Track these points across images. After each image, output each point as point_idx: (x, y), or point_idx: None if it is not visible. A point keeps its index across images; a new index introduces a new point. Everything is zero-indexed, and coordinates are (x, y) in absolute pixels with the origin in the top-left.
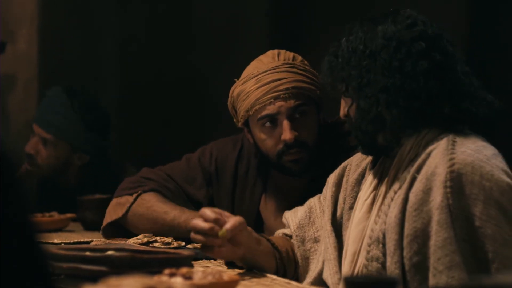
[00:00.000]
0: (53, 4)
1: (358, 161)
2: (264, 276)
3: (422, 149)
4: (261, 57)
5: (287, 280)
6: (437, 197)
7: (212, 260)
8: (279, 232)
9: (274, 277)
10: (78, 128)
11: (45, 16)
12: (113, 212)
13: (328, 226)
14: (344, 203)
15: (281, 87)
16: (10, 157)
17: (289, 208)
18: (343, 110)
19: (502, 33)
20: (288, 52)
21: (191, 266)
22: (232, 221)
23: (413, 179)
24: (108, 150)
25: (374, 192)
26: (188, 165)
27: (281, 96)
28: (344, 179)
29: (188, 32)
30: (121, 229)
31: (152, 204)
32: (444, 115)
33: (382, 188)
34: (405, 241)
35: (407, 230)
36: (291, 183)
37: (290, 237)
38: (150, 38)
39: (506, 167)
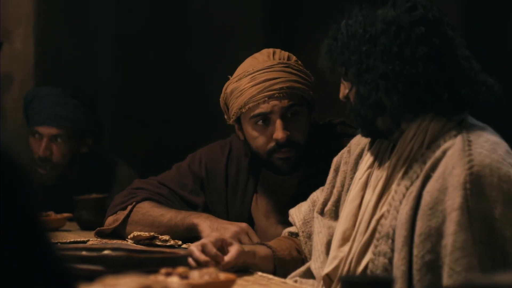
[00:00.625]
0: (50, 3)
1: (357, 141)
2: (260, 275)
3: (429, 139)
4: (256, 55)
5: (283, 280)
6: (455, 198)
7: None
8: (285, 231)
9: (271, 276)
10: (82, 112)
11: (41, 16)
12: (109, 226)
13: (314, 213)
14: (342, 186)
15: (275, 86)
16: (17, 157)
17: (280, 208)
18: (342, 92)
19: (497, 34)
20: (283, 52)
21: (188, 265)
22: (230, 254)
23: (427, 177)
24: (102, 127)
25: (368, 170)
26: (178, 172)
27: (275, 95)
28: (343, 161)
29: (184, 31)
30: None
31: (147, 210)
32: (444, 101)
33: (381, 171)
34: (418, 240)
35: (420, 229)
36: (282, 184)
37: (296, 234)
38: (146, 37)
39: None
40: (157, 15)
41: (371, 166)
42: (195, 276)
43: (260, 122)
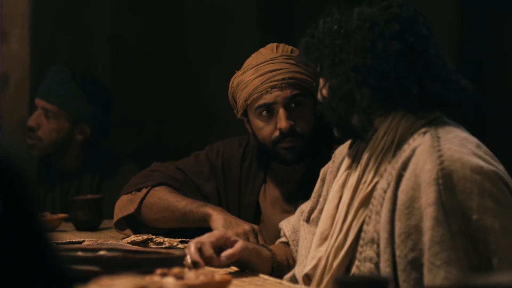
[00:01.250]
0: (46, 4)
1: (340, 150)
2: (256, 276)
3: (399, 137)
4: (261, 49)
5: (278, 280)
6: (429, 194)
7: None
8: (277, 242)
9: (266, 277)
10: (80, 98)
11: (37, 16)
12: (124, 208)
13: (301, 221)
14: (327, 194)
15: (277, 77)
16: (16, 158)
17: (286, 198)
18: (319, 91)
19: (492, 34)
20: (287, 46)
21: (183, 266)
22: (235, 248)
23: (400, 177)
24: (109, 125)
25: (347, 172)
26: (196, 160)
27: (277, 86)
28: (328, 170)
29: (179, 31)
30: (131, 221)
31: (164, 194)
32: (413, 97)
33: (355, 172)
34: (399, 240)
35: (400, 229)
36: (289, 174)
37: (288, 243)
38: (141, 37)
39: (488, 155)
40: (153, 15)
41: (349, 167)
42: (191, 276)
43: (264, 113)
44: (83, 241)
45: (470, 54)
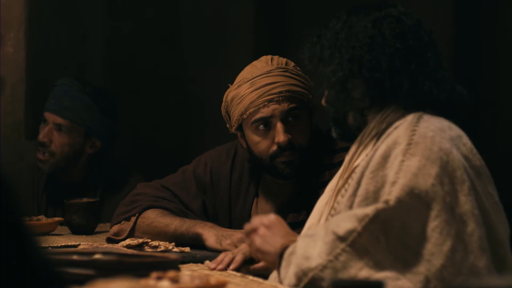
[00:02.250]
0: (41, 8)
1: None
2: (251, 279)
3: (386, 126)
4: (254, 62)
5: (273, 284)
6: (395, 164)
7: (199, 264)
8: None
9: (261, 280)
10: (93, 112)
11: (32, 20)
12: (117, 236)
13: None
14: None
15: (275, 90)
16: None
17: (279, 210)
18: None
19: (487, 34)
20: (281, 58)
21: (178, 269)
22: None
23: (376, 150)
24: (116, 137)
25: (339, 175)
26: (183, 176)
27: (275, 99)
28: None
29: (174, 36)
30: None
31: (152, 221)
32: (405, 93)
33: (346, 168)
34: (356, 201)
35: (359, 191)
36: (280, 186)
37: None
38: (136, 41)
39: (467, 148)
40: (148, 19)
41: (343, 172)
42: (186, 280)
43: (261, 127)
44: (79, 244)
45: (463, 48)
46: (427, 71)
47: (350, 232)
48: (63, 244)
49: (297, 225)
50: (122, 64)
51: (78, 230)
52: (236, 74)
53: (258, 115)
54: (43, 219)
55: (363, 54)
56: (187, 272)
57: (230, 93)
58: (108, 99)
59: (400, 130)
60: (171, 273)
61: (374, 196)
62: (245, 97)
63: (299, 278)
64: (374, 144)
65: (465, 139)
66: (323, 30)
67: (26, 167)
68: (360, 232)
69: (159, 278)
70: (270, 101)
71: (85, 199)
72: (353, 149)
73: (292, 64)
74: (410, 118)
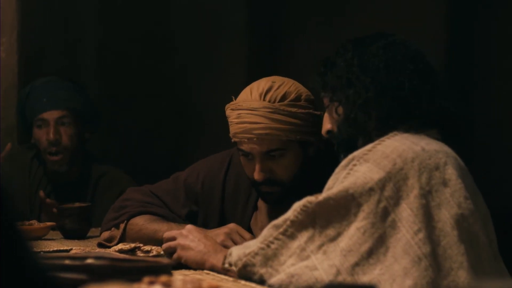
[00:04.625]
0: (33, 13)
1: None
2: (244, 284)
3: None
4: (254, 86)
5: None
6: (351, 162)
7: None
8: None
9: (254, 285)
10: (80, 94)
11: (25, 25)
12: (107, 242)
13: None
14: None
15: (255, 132)
16: None
17: None
18: (325, 127)
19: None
20: (279, 90)
21: (171, 274)
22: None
23: None
24: (97, 108)
25: None
26: (174, 184)
27: (254, 139)
28: None
29: (167, 41)
30: None
31: (140, 228)
32: (425, 110)
33: None
34: None
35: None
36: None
37: None
38: (129, 45)
39: (441, 162)
40: (141, 24)
41: None
42: (178, 285)
43: (245, 154)
44: (71, 249)
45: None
46: (442, 89)
47: (285, 220)
48: (55, 248)
49: None
50: (115, 68)
51: (70, 234)
52: (230, 78)
53: (241, 147)
54: (35, 224)
55: (382, 77)
56: (180, 276)
57: (227, 110)
58: (80, 84)
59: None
60: (164, 278)
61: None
62: (232, 125)
63: (235, 263)
64: None
65: (443, 155)
66: (329, 60)
67: (18, 171)
68: (292, 220)
69: (151, 283)
70: (249, 139)
71: (77, 204)
72: None
73: (291, 97)
74: (390, 134)
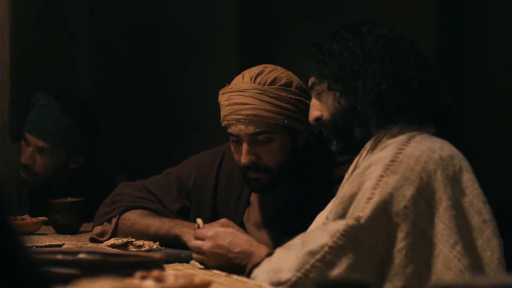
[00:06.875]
0: (26, 8)
1: None
2: (236, 279)
3: (385, 139)
4: (245, 72)
5: (258, 283)
6: (375, 171)
7: (185, 263)
8: None
9: (246, 280)
10: (74, 133)
11: (17, 21)
12: (99, 237)
13: None
14: None
15: (243, 112)
16: None
17: (270, 220)
18: (313, 114)
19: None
20: (270, 74)
21: (163, 269)
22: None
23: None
24: (97, 148)
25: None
26: (166, 179)
27: (241, 121)
28: None
29: (160, 36)
30: None
31: (133, 223)
32: (427, 106)
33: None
34: (334, 204)
35: (338, 194)
36: (273, 196)
37: None
38: (122, 42)
39: (457, 169)
40: (133, 20)
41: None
42: (170, 279)
43: (234, 139)
44: (63, 244)
45: (448, 49)
46: (442, 83)
47: (322, 246)
48: (48, 243)
49: (292, 232)
50: (107, 64)
51: (62, 229)
52: (222, 74)
53: (229, 130)
54: (28, 219)
55: (390, 70)
56: (172, 271)
57: (219, 95)
58: (89, 114)
59: (389, 148)
60: (156, 273)
61: (349, 200)
62: (223, 108)
63: None
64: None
65: (457, 160)
66: (327, 47)
67: (10, 170)
68: (331, 247)
69: (143, 278)
70: (237, 120)
71: (69, 199)
72: (354, 163)
73: (281, 82)
74: (401, 137)
